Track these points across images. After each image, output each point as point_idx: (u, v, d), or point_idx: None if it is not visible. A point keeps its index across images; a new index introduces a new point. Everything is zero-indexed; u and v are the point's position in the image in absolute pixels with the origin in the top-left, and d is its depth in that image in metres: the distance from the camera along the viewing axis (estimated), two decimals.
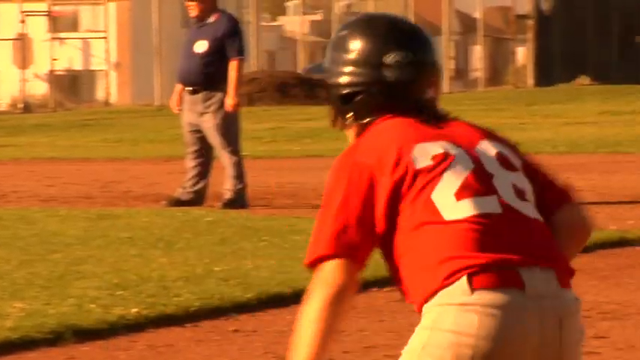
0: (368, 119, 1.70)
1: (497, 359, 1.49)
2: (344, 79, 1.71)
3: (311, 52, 47.02)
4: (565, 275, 1.57)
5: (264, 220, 9.95)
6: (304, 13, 47.85)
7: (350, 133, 1.76)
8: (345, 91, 1.71)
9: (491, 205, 1.55)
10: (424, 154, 1.59)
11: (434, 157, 1.58)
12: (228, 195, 10.65)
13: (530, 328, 1.49)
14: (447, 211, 1.53)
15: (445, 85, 41.68)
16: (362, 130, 1.71)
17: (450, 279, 1.49)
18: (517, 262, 1.51)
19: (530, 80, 41.21)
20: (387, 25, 1.78)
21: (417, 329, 1.57)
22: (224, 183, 10.77)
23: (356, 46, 1.70)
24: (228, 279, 6.68)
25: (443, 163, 1.58)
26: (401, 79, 1.68)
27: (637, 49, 40.93)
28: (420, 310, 1.56)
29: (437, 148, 1.60)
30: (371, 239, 1.59)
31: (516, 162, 1.66)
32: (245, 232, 9.03)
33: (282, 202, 11.56)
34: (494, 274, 1.49)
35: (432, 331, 1.52)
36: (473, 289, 1.48)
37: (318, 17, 52.33)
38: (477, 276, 1.48)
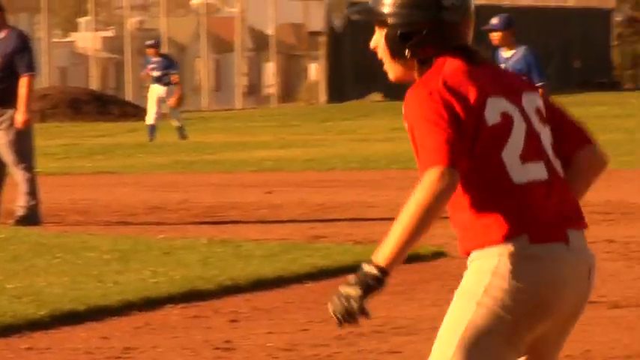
0: (426, 57, 1.97)
1: (546, 298, 1.87)
2: (405, 19, 1.96)
3: (103, 68, 46.02)
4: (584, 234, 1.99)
5: (57, 237, 10.01)
6: (96, 30, 46.51)
7: (402, 72, 2.04)
8: (405, 30, 1.95)
9: (542, 171, 1.91)
10: (494, 110, 1.89)
11: (502, 115, 1.89)
12: (21, 212, 10.72)
13: (571, 273, 1.89)
14: (514, 172, 1.87)
15: (238, 101, 41.94)
16: (422, 67, 1.98)
17: (512, 234, 1.85)
18: (563, 223, 1.90)
19: (323, 97, 42.38)
20: None
21: (476, 272, 1.92)
22: (17, 200, 10.79)
23: None
24: (21, 296, 6.69)
25: (508, 123, 1.90)
26: (456, 20, 1.97)
27: None
28: (468, 254, 1.97)
29: (502, 105, 1.91)
30: (467, 152, 1.86)
31: (544, 112, 2.00)
32: (38, 248, 9.10)
33: (75, 219, 11.62)
34: (547, 233, 1.88)
35: (494, 275, 1.86)
36: (530, 244, 1.85)
37: (110, 34, 50.91)
38: (534, 233, 1.86)
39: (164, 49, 31.78)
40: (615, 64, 53.02)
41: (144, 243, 9.27)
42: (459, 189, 1.87)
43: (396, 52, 2.01)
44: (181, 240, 9.42)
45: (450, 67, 1.95)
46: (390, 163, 17.40)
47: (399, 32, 1.97)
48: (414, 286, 7.32)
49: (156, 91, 24.51)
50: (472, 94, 1.89)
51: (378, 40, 2.04)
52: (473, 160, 1.88)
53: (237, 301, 6.81)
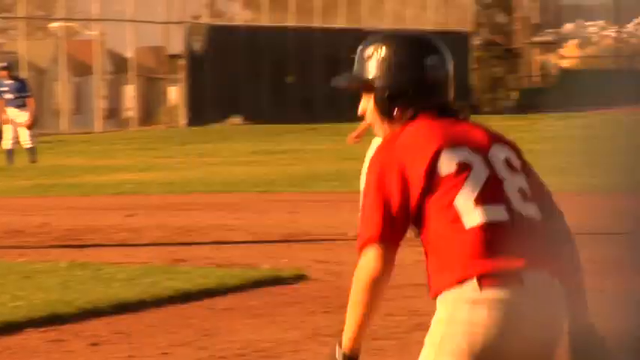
0: (408, 117, 2.10)
1: (503, 342, 1.90)
2: (391, 81, 2.09)
3: None
4: (555, 272, 1.98)
5: None
6: None
7: (383, 131, 2.14)
8: (393, 92, 2.08)
9: (501, 213, 1.96)
10: (449, 160, 1.99)
11: (458, 165, 1.98)
12: None
13: (527, 317, 1.90)
14: (466, 217, 1.94)
15: (98, 124, 40.78)
16: (400, 126, 2.10)
17: (464, 279, 1.90)
18: (518, 266, 1.91)
19: (183, 120, 41.94)
20: (419, 36, 2.25)
21: (435, 320, 1.99)
22: None
23: (398, 52, 2.09)
24: None
25: (464, 171, 1.99)
26: (437, 79, 2.11)
27: (287, 90, 43.93)
28: (434, 298, 2.00)
29: (460, 155, 2.01)
30: (407, 225, 2.01)
31: (517, 163, 2.08)
32: None
33: None
34: (500, 276, 1.90)
35: (448, 323, 1.93)
36: (482, 288, 1.89)
37: None
38: (486, 278, 1.89)
39: (23, 73, 30.72)
40: (474, 87, 53.82)
41: (3, 267, 9.06)
42: (422, 236, 2.03)
43: (385, 114, 2.12)
44: (41, 263, 9.21)
45: (417, 124, 2.09)
46: (250, 186, 17.48)
47: (386, 94, 2.10)
48: (276, 309, 7.41)
49: (10, 114, 23.67)
50: (426, 149, 2.00)
51: (365, 106, 2.15)
52: (429, 208, 1.98)
53: (98, 324, 6.74)
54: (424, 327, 2.12)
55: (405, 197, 1.98)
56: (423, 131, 2.07)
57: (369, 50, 2.14)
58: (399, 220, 1.99)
